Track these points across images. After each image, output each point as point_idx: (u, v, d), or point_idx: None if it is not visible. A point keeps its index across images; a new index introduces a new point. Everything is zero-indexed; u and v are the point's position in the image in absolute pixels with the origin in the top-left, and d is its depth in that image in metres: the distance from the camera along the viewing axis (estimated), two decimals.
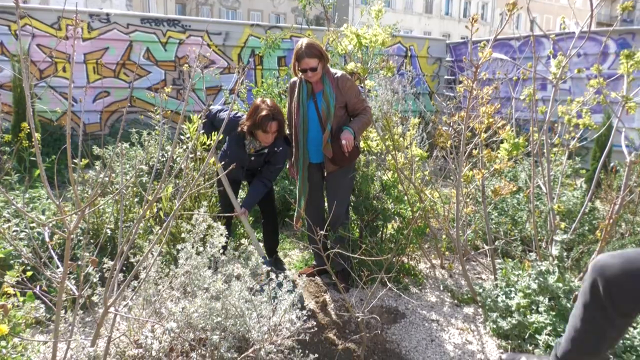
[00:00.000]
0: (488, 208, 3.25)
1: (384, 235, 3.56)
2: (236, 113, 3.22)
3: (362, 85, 3.36)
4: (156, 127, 4.94)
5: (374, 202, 3.45)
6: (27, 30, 6.43)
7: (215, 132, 3.12)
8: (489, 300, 2.77)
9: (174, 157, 3.71)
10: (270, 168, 3.20)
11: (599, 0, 3.09)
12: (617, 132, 3.18)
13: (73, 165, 1.60)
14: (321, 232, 2.16)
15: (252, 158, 3.17)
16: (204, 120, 3.12)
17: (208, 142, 3.06)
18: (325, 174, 3.23)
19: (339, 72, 3.05)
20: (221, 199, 3.39)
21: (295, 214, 3.26)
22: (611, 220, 2.54)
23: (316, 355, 2.20)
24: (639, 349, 2.18)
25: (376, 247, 3.24)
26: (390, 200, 3.43)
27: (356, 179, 3.44)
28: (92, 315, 2.60)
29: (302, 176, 3.14)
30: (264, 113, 2.86)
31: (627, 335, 2.21)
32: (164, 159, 4.62)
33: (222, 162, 3.01)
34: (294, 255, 3.94)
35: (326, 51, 3.02)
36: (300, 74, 3.00)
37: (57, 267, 1.85)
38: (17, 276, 2.17)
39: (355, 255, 2.63)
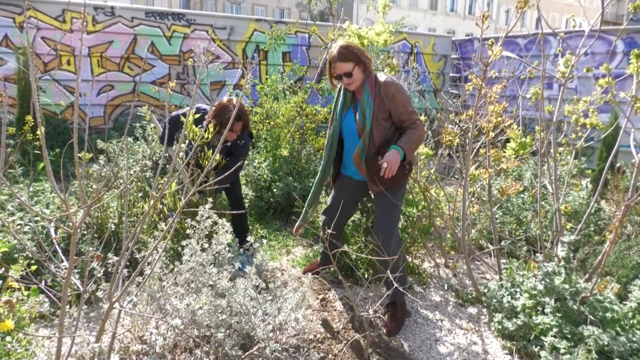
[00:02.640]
0: (493, 207, 3.23)
1: None
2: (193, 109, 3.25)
3: None
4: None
5: None
6: (32, 22, 6.41)
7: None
8: (494, 300, 2.76)
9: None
10: (233, 162, 3.17)
11: None
12: (624, 133, 3.15)
13: (78, 160, 1.58)
14: (328, 230, 2.14)
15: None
16: (168, 125, 3.05)
17: (164, 150, 2.99)
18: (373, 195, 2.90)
19: (384, 77, 2.63)
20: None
21: (298, 222, 3.07)
22: (620, 223, 2.52)
23: (321, 355, 2.20)
24: None
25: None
26: None
27: None
28: (96, 311, 2.59)
29: (316, 191, 2.98)
30: (230, 115, 2.97)
31: (634, 339, 2.20)
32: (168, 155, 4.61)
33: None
34: (297, 252, 3.93)
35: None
36: (338, 82, 2.63)
37: (62, 262, 1.84)
38: (22, 270, 2.17)
39: (363, 255, 2.62)
